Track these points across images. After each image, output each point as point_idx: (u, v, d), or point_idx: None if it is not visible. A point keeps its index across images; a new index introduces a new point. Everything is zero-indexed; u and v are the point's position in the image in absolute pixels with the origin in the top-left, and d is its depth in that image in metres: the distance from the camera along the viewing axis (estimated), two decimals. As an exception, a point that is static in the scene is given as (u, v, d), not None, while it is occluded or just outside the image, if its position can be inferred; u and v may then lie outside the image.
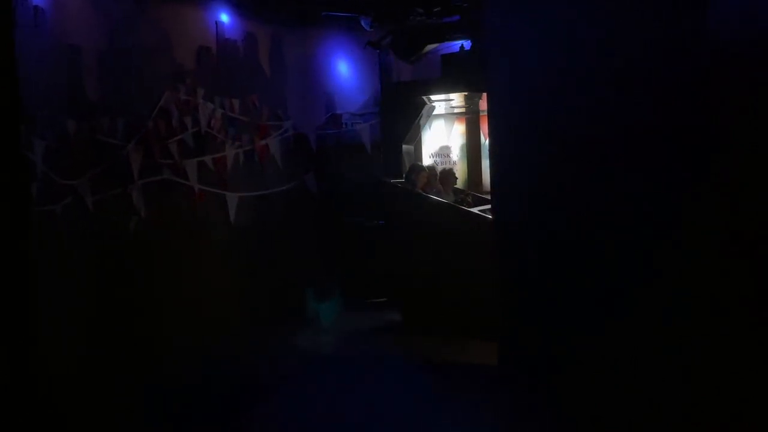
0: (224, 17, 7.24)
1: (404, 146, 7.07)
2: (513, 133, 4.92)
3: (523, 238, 4.72)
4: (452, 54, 6.92)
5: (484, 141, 7.70)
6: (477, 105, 7.46)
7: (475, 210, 6.26)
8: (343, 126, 8.17)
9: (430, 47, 6.92)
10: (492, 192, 5.64)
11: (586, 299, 3.59)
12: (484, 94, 6.16)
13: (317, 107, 8.19)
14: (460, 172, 7.61)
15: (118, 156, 6.13)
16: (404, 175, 6.81)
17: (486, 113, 7.17)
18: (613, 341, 3.27)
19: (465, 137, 7.92)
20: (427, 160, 7.59)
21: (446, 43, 6.70)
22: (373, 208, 7.99)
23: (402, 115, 6.97)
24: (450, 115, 7.85)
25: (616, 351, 3.25)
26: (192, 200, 6.74)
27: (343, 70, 8.25)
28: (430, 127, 7.92)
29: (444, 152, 7.95)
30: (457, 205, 6.48)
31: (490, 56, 5.38)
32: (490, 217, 5.09)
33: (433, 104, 7.14)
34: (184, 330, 6.26)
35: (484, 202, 6.43)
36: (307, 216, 7.87)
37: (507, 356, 5.09)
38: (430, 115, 7.33)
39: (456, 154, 7.93)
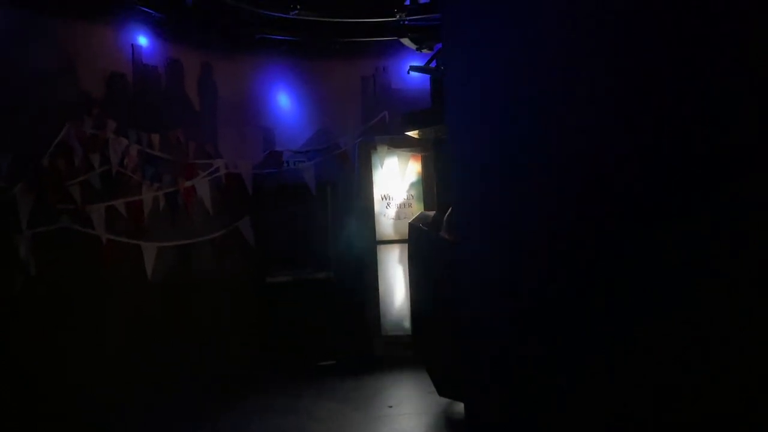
0: (143, 40, 6.25)
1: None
2: (459, 162, 4.20)
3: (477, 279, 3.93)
4: None
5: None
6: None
7: None
8: (285, 165, 7.20)
9: None
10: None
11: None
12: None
13: (254, 144, 7.21)
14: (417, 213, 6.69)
15: (0, 200, 4.99)
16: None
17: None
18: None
19: (422, 175, 7.08)
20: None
21: None
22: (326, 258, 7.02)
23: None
24: (404, 152, 7.00)
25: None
26: (98, 253, 5.60)
27: (284, 102, 7.32)
28: (381, 166, 7.05)
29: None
30: None
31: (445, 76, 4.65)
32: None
33: None
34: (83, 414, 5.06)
35: None
36: (241, 268, 6.78)
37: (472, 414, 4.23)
38: None
39: (410, 193, 7.08)
